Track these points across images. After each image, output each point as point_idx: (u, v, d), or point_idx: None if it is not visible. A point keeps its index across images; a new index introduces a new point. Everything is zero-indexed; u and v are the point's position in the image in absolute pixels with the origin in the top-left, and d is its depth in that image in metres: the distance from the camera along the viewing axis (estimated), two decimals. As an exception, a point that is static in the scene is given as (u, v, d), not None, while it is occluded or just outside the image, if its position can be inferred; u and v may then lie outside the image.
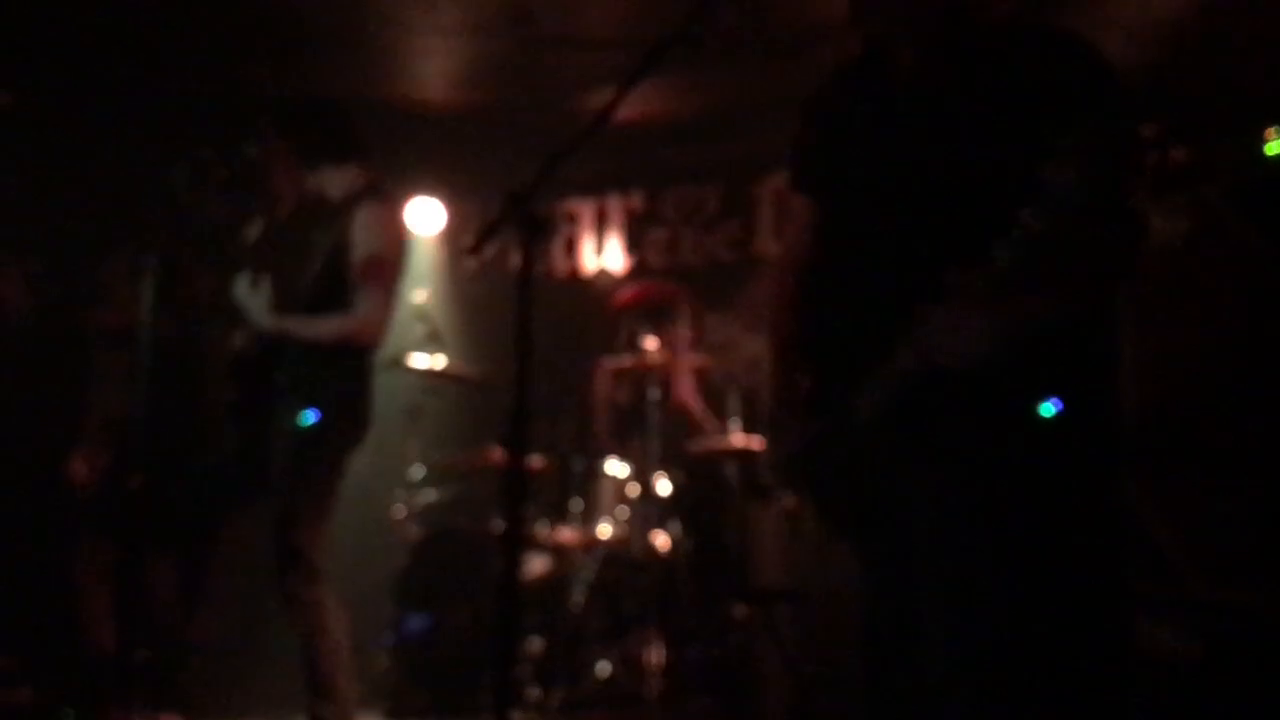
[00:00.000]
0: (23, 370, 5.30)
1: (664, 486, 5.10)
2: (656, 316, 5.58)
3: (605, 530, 5.15)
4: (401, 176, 6.17)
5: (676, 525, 5.05)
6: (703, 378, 5.69)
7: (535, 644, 4.92)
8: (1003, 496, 1.97)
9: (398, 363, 5.25)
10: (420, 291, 5.65)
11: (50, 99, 5.75)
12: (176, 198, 4.18)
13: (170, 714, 4.40)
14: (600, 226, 6.99)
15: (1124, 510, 2.11)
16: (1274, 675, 2.89)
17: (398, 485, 5.57)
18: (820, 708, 4.27)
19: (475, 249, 2.35)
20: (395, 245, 3.95)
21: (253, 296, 3.90)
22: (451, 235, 6.91)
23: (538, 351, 2.19)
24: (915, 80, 2.15)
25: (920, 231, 2.03)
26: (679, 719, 4.59)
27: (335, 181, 3.98)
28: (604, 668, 4.73)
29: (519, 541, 2.38)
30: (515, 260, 2.16)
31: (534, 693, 4.76)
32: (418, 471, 5.58)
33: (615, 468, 5.28)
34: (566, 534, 5.22)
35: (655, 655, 4.64)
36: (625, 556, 5.05)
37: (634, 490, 5.14)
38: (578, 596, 5.00)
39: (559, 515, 5.28)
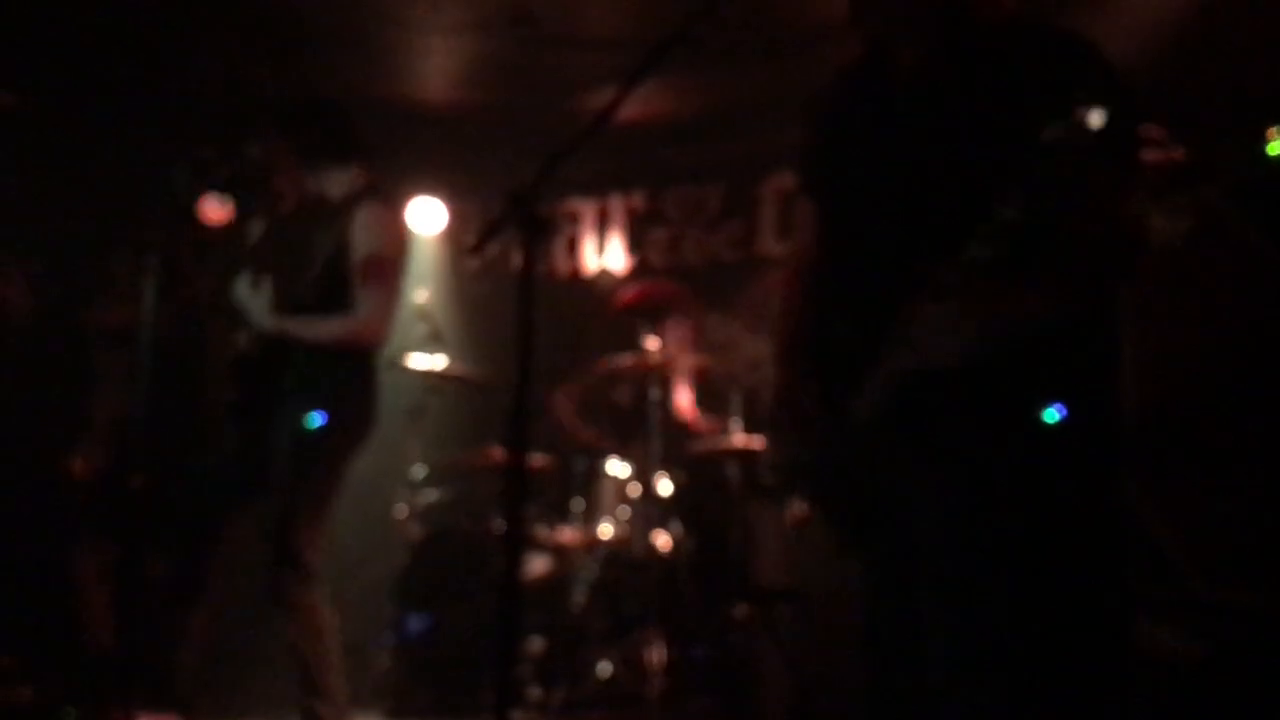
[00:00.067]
0: (23, 370, 5.31)
1: (665, 486, 5.10)
2: (658, 316, 5.58)
3: (606, 530, 5.16)
4: (403, 176, 6.18)
5: (677, 525, 5.05)
6: (704, 378, 5.69)
7: (536, 644, 4.92)
8: (1003, 497, 1.97)
9: (395, 364, 5.25)
10: (421, 291, 5.66)
11: (52, 99, 5.76)
12: (177, 197, 4.18)
13: (170, 714, 4.40)
14: (602, 226, 6.99)
15: (1124, 510, 2.11)
16: (1274, 675, 2.89)
17: (399, 485, 5.57)
18: (821, 708, 4.27)
19: (477, 249, 2.36)
20: (395, 245, 3.94)
21: (253, 297, 3.90)
22: (453, 235, 6.91)
23: (539, 351, 2.19)
24: (915, 80, 2.15)
25: (920, 232, 2.03)
26: (680, 719, 4.59)
27: (336, 182, 3.98)
28: (605, 668, 4.73)
29: (520, 541, 2.38)
30: (517, 260, 2.16)
31: (535, 692, 4.76)
32: (419, 471, 5.58)
33: (616, 468, 5.28)
34: (567, 534, 5.22)
35: (656, 655, 4.64)
36: (626, 556, 5.05)
37: (635, 490, 5.14)
38: (579, 596, 5.00)
39: (560, 515, 5.28)
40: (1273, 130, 3.28)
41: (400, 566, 5.35)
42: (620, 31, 5.30)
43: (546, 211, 2.17)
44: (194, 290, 4.96)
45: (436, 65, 5.98)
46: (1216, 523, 3.05)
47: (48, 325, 5.47)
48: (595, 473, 5.33)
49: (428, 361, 5.44)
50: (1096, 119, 1.70)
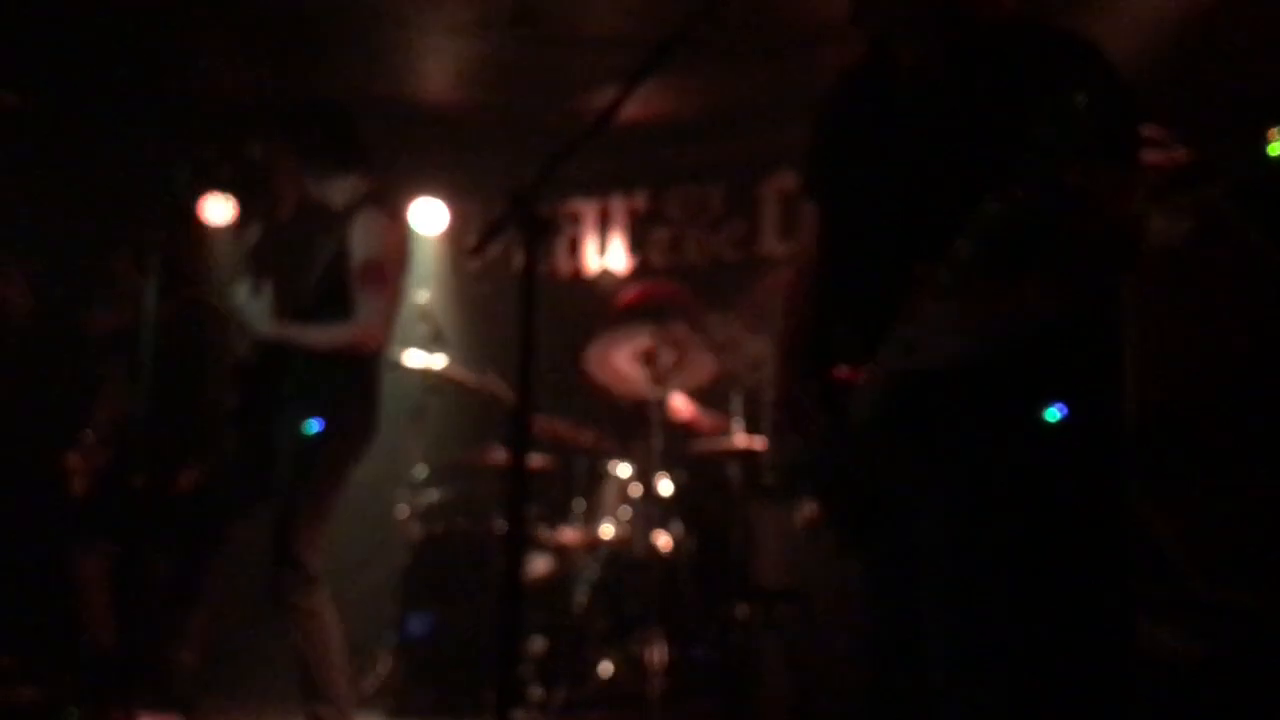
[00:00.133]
0: (24, 371, 5.32)
1: (666, 487, 5.11)
2: (659, 317, 5.58)
3: (608, 530, 5.16)
4: (404, 176, 6.18)
5: (679, 525, 5.06)
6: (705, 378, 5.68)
7: (538, 644, 4.92)
8: (1004, 497, 1.97)
9: (396, 364, 5.25)
10: (423, 292, 5.66)
11: (54, 100, 5.77)
12: (177, 197, 4.19)
13: (172, 714, 4.41)
14: (603, 226, 6.99)
15: (1125, 510, 2.11)
16: (1274, 675, 2.89)
17: (401, 485, 5.57)
18: (821, 708, 4.27)
19: (478, 249, 2.35)
20: (395, 251, 3.92)
21: (253, 303, 3.89)
22: (454, 235, 6.92)
23: (540, 351, 2.19)
24: (915, 80, 2.15)
25: (920, 232, 2.03)
26: (681, 718, 4.59)
27: (338, 189, 3.97)
28: (606, 667, 4.73)
29: (521, 541, 2.38)
30: (518, 260, 2.16)
31: (536, 692, 4.76)
32: (420, 471, 5.58)
33: (618, 468, 5.28)
34: (569, 534, 5.22)
35: (657, 655, 4.64)
36: (627, 556, 5.05)
37: (636, 490, 5.14)
38: (580, 596, 5.00)
39: (561, 515, 5.29)
40: (1274, 131, 3.29)
41: (402, 567, 5.35)
42: (621, 31, 5.30)
43: (548, 212, 2.17)
44: (194, 290, 4.97)
45: (437, 65, 5.98)
46: (1216, 523, 3.05)
47: (48, 325, 5.48)
48: (597, 473, 5.33)
49: (428, 360, 5.44)
50: (1081, 100, 1.70)
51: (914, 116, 2.12)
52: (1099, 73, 1.95)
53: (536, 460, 5.33)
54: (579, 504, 5.28)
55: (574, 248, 7.04)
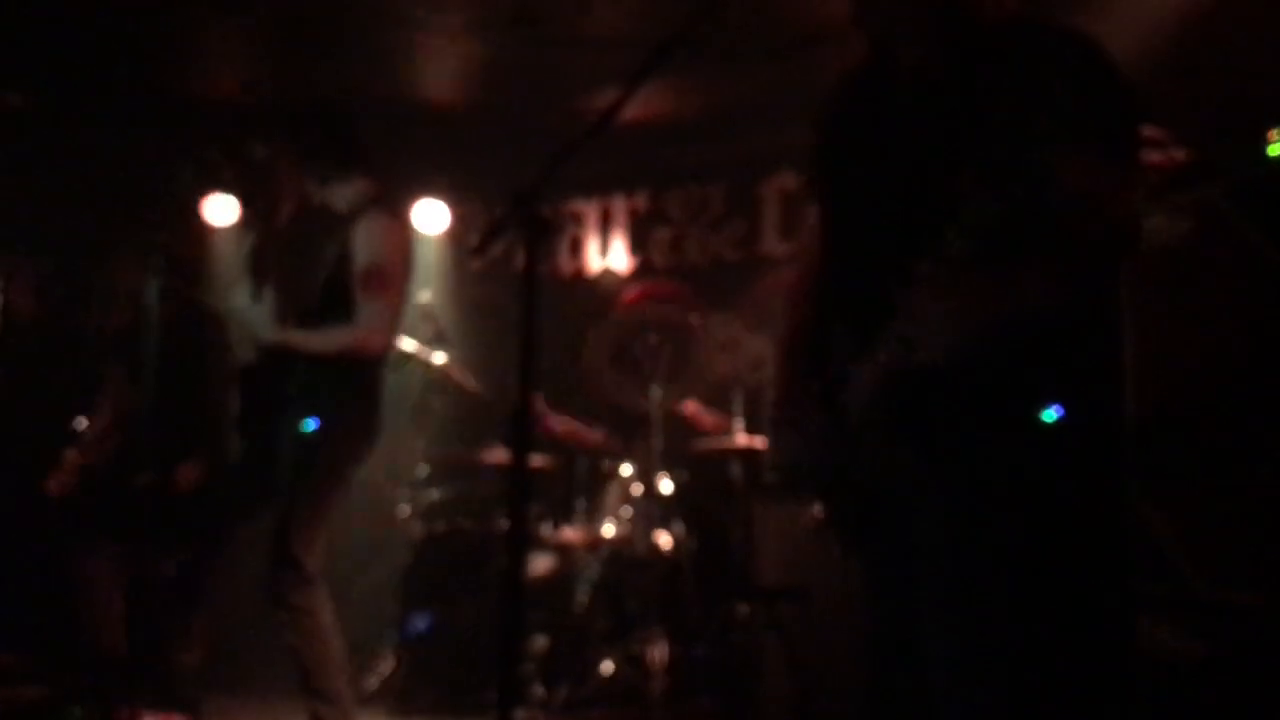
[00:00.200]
0: (27, 370, 5.32)
1: (667, 486, 5.11)
2: (660, 316, 5.59)
3: (609, 529, 5.17)
4: (406, 176, 6.19)
5: (680, 524, 5.07)
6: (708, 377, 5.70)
7: (539, 642, 4.93)
8: (1004, 497, 1.97)
9: (403, 362, 5.26)
10: (425, 292, 5.67)
11: (58, 100, 5.77)
12: (180, 197, 4.20)
13: (175, 713, 4.42)
14: (605, 226, 7.00)
15: (1125, 510, 2.11)
16: (1274, 675, 2.90)
17: (403, 484, 5.58)
18: (821, 707, 4.27)
19: (480, 250, 2.35)
20: (397, 255, 3.92)
21: (254, 308, 3.90)
22: (456, 235, 6.93)
23: (542, 351, 2.19)
24: (916, 80, 2.15)
25: (919, 232, 2.04)
26: (682, 717, 4.60)
27: (342, 192, 3.98)
28: (608, 666, 4.74)
29: (523, 540, 2.39)
30: (520, 260, 2.17)
31: (538, 691, 4.77)
32: (422, 470, 5.59)
33: (619, 467, 5.29)
34: (571, 533, 5.23)
35: (659, 653, 4.65)
36: (629, 555, 5.06)
37: (638, 489, 5.15)
38: (582, 595, 5.01)
39: (563, 514, 5.30)
40: (1274, 131, 3.29)
41: (403, 565, 5.36)
42: (622, 32, 5.30)
43: (549, 212, 2.17)
44: (196, 291, 4.98)
45: (439, 66, 5.99)
46: (1216, 523, 3.05)
47: (55, 326, 5.49)
48: (598, 472, 5.34)
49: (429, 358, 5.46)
50: (1073, 92, 1.70)
51: (914, 117, 2.12)
52: (1094, 67, 1.95)
53: (538, 459, 5.34)
54: (580, 503, 5.29)
55: (576, 248, 7.05)
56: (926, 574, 2.03)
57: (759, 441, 4.97)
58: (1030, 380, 1.99)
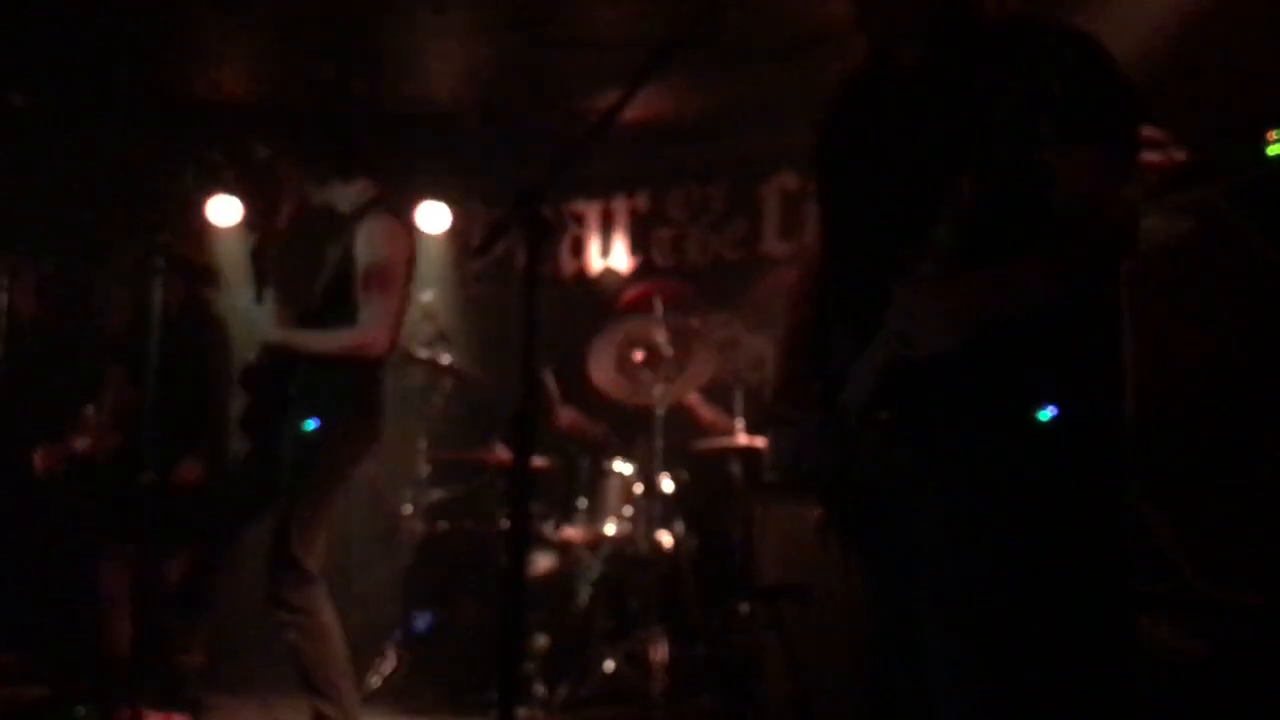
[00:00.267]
0: (30, 370, 5.33)
1: (668, 485, 5.12)
2: (661, 315, 5.59)
3: (610, 528, 5.17)
4: (408, 177, 6.20)
5: (681, 523, 5.07)
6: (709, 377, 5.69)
7: (541, 641, 4.93)
8: (1003, 496, 1.97)
9: (409, 359, 5.27)
10: (427, 291, 5.67)
11: (61, 100, 5.78)
12: (183, 197, 4.21)
13: (178, 713, 4.43)
14: (606, 227, 7.01)
15: (1125, 510, 2.11)
16: (1274, 675, 2.89)
17: (405, 483, 5.59)
18: (822, 706, 4.28)
19: (482, 250, 2.36)
20: (398, 256, 3.92)
21: (255, 308, 3.91)
22: (458, 235, 6.93)
23: (543, 351, 2.20)
24: (916, 79, 2.16)
25: (918, 231, 2.04)
26: (684, 715, 4.60)
27: (343, 194, 3.98)
28: (609, 665, 4.75)
29: (525, 539, 2.39)
30: (521, 261, 2.17)
31: (540, 689, 4.78)
32: (424, 470, 5.60)
33: (620, 466, 5.30)
34: (572, 532, 5.24)
35: (660, 652, 4.65)
36: (630, 554, 5.07)
37: (639, 488, 5.16)
38: (583, 594, 5.02)
39: (565, 513, 5.30)
40: (1274, 131, 3.28)
41: (406, 564, 5.37)
42: (623, 33, 5.31)
43: (551, 212, 2.17)
44: (198, 290, 4.98)
45: (441, 67, 6.00)
46: (1216, 523, 3.05)
47: (53, 325, 5.49)
48: (600, 471, 5.35)
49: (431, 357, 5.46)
50: (1057, 77, 1.70)
51: (914, 117, 2.13)
52: (1094, 66, 1.95)
53: (540, 459, 5.34)
54: (582, 502, 5.30)
55: (577, 248, 7.06)
56: (926, 574, 2.03)
57: (759, 441, 4.98)
58: (1030, 380, 1.99)
